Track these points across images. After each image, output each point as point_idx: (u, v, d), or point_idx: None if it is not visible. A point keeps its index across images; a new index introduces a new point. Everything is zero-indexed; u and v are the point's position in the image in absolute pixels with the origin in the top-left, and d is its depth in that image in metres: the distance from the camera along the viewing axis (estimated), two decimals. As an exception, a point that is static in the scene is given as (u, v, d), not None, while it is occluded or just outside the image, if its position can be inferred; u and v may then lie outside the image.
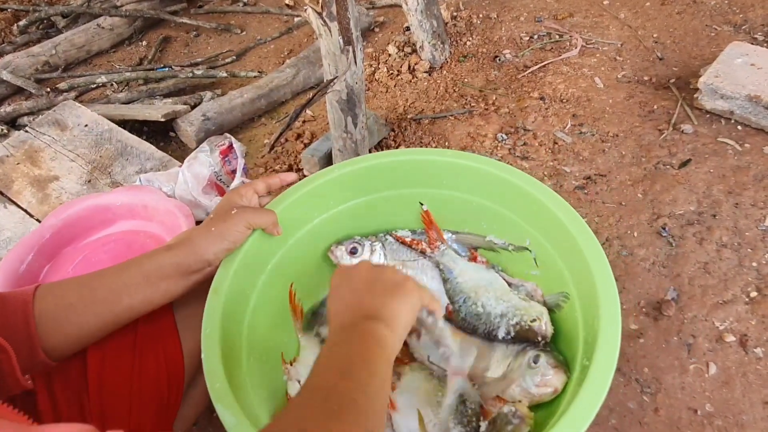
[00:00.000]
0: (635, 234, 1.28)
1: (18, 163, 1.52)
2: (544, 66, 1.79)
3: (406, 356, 0.84)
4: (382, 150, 1.60)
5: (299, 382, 0.80)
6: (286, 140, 1.70)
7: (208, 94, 1.89)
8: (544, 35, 1.94)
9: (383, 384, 0.53)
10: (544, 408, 0.73)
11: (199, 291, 0.73)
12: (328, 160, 1.48)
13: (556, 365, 0.71)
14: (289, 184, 0.85)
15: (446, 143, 1.59)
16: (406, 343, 0.83)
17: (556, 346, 0.79)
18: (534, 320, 0.78)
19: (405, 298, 0.60)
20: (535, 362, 0.72)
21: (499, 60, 1.87)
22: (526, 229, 0.85)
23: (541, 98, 1.68)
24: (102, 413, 0.67)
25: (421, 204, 0.93)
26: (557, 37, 1.91)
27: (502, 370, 0.76)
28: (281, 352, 0.84)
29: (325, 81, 1.19)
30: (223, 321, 0.70)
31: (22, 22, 2.30)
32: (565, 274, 0.77)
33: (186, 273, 0.70)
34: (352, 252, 0.84)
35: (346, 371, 0.51)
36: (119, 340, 0.70)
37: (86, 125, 1.61)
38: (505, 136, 1.57)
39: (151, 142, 1.58)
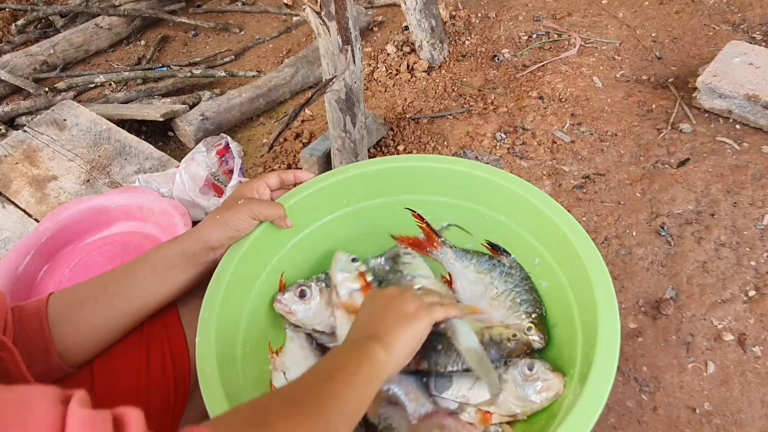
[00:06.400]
0: (634, 233, 1.28)
1: (16, 163, 1.52)
2: (542, 65, 1.79)
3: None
4: (381, 150, 1.60)
5: (284, 373, 0.80)
6: (285, 140, 1.70)
7: (207, 93, 1.88)
8: (542, 35, 1.94)
9: (360, 399, 0.56)
10: (534, 419, 0.71)
11: (202, 287, 0.73)
12: (326, 160, 1.48)
13: (553, 369, 0.70)
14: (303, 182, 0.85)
15: (445, 143, 1.59)
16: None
17: (554, 353, 0.77)
18: (514, 335, 0.75)
19: (412, 327, 0.64)
20: (531, 369, 0.70)
21: (498, 59, 1.87)
22: (533, 243, 0.82)
23: (540, 97, 1.68)
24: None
25: (410, 210, 0.91)
26: (556, 36, 1.91)
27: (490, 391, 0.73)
28: (269, 341, 0.83)
29: (323, 80, 1.19)
30: (222, 307, 0.70)
31: (20, 22, 2.30)
32: (564, 283, 0.76)
33: (192, 260, 0.72)
34: (302, 295, 0.83)
35: (327, 377, 0.56)
36: (126, 340, 0.71)
37: (85, 125, 1.61)
38: (503, 136, 1.57)
39: (149, 142, 1.57)
